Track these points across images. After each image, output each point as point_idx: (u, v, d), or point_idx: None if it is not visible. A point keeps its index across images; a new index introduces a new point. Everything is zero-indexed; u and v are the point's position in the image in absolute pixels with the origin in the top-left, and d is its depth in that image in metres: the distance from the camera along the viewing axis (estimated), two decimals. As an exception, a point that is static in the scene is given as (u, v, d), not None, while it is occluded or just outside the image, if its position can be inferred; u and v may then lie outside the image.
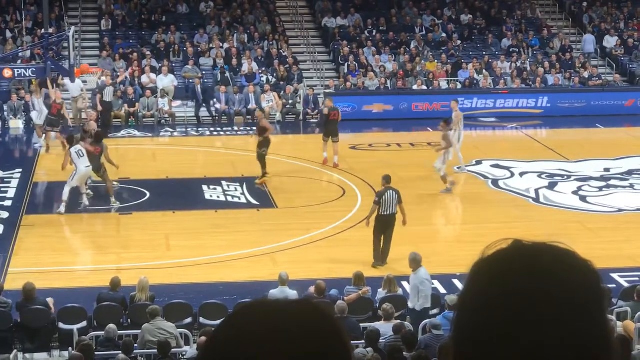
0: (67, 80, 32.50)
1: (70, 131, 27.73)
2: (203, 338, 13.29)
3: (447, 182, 24.80)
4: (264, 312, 1.77)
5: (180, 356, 14.62)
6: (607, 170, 27.87)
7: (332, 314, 1.81)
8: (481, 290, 1.77)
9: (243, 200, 24.75)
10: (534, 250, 1.79)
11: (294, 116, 35.73)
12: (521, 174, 27.29)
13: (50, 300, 16.57)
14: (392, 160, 29.19)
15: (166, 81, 35.50)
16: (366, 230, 22.19)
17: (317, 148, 30.25)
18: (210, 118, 35.10)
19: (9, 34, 37.73)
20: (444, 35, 40.79)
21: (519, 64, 38.76)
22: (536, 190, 25.73)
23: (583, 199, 25.12)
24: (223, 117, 34.97)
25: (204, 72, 37.15)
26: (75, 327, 15.94)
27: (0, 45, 36.79)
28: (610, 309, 15.84)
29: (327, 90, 35.66)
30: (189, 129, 33.64)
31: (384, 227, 19.69)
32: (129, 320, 16.40)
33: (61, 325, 16.26)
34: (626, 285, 18.28)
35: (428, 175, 26.66)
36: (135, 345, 14.64)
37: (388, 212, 19.65)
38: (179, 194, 25.52)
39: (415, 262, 16.82)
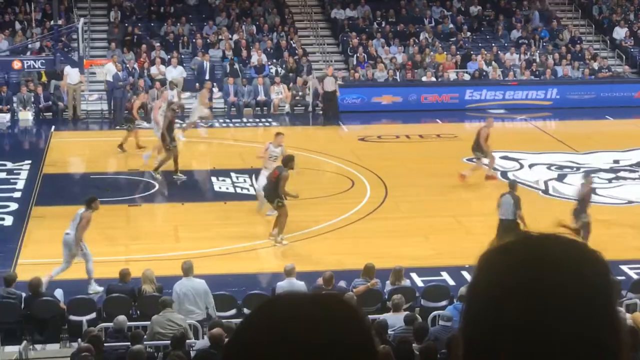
0: (67, 68, 32.59)
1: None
2: (216, 329, 13.29)
3: None
4: (290, 304, 1.78)
5: (190, 348, 14.63)
6: (616, 162, 27.82)
7: (358, 307, 1.82)
8: (490, 282, 1.77)
9: (252, 191, 24.73)
10: (543, 242, 1.78)
11: (303, 108, 35.73)
12: (530, 166, 27.25)
13: (59, 295, 16.61)
14: (401, 152, 29.19)
15: (175, 73, 35.52)
16: (375, 222, 22.26)
17: (326, 140, 30.26)
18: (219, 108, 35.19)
19: (18, 26, 37.76)
20: (452, 26, 40.72)
21: (528, 56, 38.69)
22: (545, 182, 25.70)
23: (592, 190, 25.05)
24: (232, 109, 34.99)
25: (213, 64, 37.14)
26: (84, 319, 15.99)
27: (10, 37, 36.82)
28: (620, 300, 15.82)
29: (340, 83, 35.61)
30: (199, 121, 33.62)
31: (504, 232, 19.41)
32: (138, 312, 16.43)
33: (70, 316, 16.30)
34: (636, 277, 18.26)
35: (437, 167, 26.66)
36: (144, 336, 14.65)
37: (504, 217, 19.57)
38: (187, 186, 25.55)
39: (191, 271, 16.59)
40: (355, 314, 1.79)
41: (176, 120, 27.23)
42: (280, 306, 1.79)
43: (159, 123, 26.26)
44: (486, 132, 25.38)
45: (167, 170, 26.20)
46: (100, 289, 17.66)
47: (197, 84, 35.15)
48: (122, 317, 14.90)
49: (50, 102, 34.14)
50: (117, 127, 32.51)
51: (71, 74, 33.23)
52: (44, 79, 34.88)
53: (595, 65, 38.40)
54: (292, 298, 1.81)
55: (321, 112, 34.59)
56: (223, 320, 14.62)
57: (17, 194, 24.53)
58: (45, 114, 34.16)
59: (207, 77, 34.98)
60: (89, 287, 18.03)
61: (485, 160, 25.57)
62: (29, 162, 27.65)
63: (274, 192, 20.57)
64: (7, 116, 33.26)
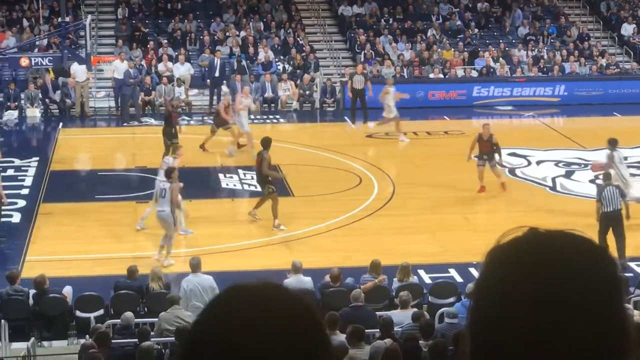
0: (74, 65, 32.63)
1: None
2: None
3: None
4: (240, 298, 1.77)
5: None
6: (624, 158, 27.71)
7: (309, 300, 1.81)
8: (498, 279, 1.76)
9: (259, 188, 24.72)
10: (550, 238, 1.78)
11: (310, 105, 35.72)
12: (538, 163, 27.22)
13: (67, 292, 16.61)
14: (408, 149, 29.17)
15: (182, 70, 35.56)
16: (382, 219, 22.23)
17: (333, 137, 30.23)
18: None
19: (26, 23, 37.82)
20: (460, 23, 40.68)
21: (535, 52, 38.64)
22: (553, 179, 25.67)
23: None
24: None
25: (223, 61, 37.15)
26: (92, 315, 16.01)
27: (17, 34, 36.88)
28: (628, 297, 15.79)
29: (344, 79, 35.55)
30: (205, 118, 33.63)
31: (609, 224, 19.30)
32: (146, 309, 16.44)
33: (78, 313, 16.32)
34: (643, 274, 18.24)
35: (444, 164, 26.63)
36: (152, 333, 14.66)
37: (610, 209, 19.36)
38: (195, 183, 25.50)
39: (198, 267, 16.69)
40: (307, 309, 1.77)
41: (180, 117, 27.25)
42: (232, 302, 1.77)
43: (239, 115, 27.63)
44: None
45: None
46: (172, 261, 18.87)
47: (208, 81, 35.17)
48: (129, 314, 14.91)
49: (58, 99, 34.26)
50: (125, 124, 32.57)
51: (78, 71, 33.28)
52: (52, 75, 34.92)
53: (603, 62, 38.33)
54: (243, 292, 1.79)
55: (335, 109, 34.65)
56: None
57: (25, 191, 24.56)
58: (53, 110, 34.22)
59: (217, 74, 34.99)
60: (165, 261, 19.24)
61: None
62: (37, 159, 27.70)
63: (262, 176, 21.39)
64: (15, 113, 33.31)
